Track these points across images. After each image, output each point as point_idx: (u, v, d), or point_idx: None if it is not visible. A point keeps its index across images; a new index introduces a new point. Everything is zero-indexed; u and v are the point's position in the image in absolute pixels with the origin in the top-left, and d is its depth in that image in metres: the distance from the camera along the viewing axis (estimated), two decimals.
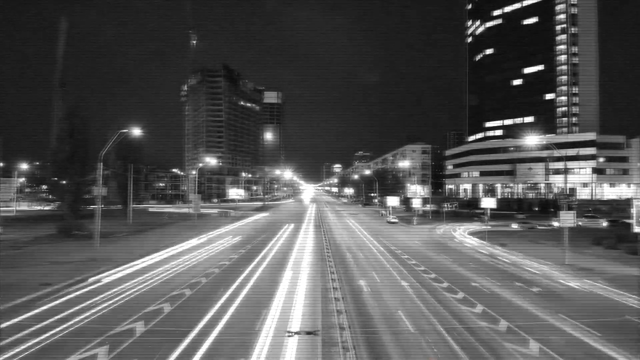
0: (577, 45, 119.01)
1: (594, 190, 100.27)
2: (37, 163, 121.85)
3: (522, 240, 45.90)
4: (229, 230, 54.72)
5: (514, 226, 60.18)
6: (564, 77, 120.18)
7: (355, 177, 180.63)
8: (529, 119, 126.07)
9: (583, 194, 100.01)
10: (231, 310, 19.27)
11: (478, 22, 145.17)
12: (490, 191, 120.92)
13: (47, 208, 55.60)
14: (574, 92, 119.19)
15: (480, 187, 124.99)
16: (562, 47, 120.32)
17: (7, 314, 18.65)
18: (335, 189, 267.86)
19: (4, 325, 17.31)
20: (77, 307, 19.61)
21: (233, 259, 33.44)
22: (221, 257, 34.28)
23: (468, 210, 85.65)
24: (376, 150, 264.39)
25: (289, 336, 16.45)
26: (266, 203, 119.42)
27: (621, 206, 73.80)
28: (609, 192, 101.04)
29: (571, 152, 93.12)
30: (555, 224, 61.64)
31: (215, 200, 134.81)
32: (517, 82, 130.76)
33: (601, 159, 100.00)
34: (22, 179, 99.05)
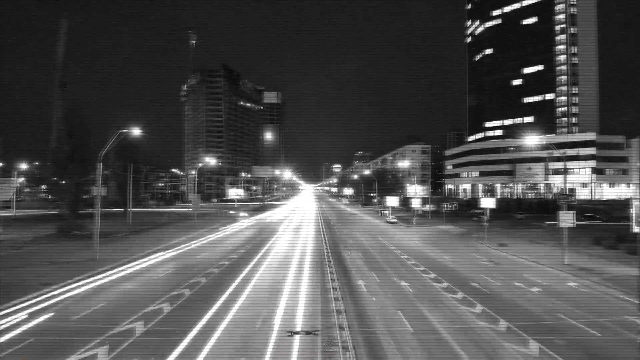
0: (576, 45, 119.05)
1: (593, 190, 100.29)
2: (37, 163, 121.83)
3: (522, 240, 45.89)
4: None
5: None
6: (564, 77, 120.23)
7: (355, 177, 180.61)
8: (529, 119, 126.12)
9: (582, 194, 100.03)
10: None
11: (477, 22, 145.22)
12: (489, 191, 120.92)
13: (46, 209, 55.53)
14: (573, 92, 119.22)
15: (480, 187, 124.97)
16: (562, 47, 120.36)
17: (7, 313, 18.69)
18: (334, 189, 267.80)
19: (3, 324, 17.33)
20: None
21: None
22: None
23: (467, 210, 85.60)
24: (376, 150, 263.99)
25: (289, 336, 16.46)
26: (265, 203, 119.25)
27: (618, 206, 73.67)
28: (609, 192, 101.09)
29: (571, 152, 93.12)
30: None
31: (214, 200, 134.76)
32: (516, 82, 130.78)
33: (601, 159, 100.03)
34: (22, 179, 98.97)
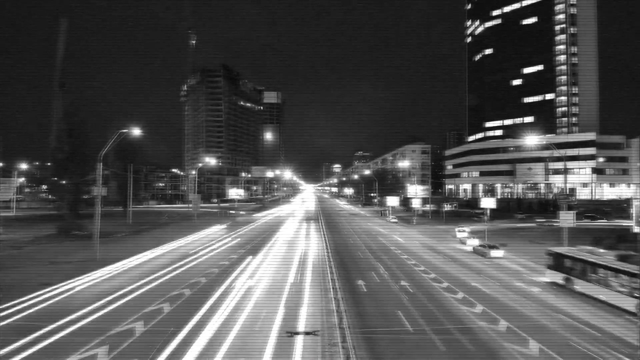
0: (576, 45, 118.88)
1: (593, 191, 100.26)
2: (37, 163, 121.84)
3: (522, 240, 45.90)
4: None
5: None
6: (564, 77, 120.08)
7: (355, 177, 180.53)
8: (529, 119, 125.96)
9: (583, 194, 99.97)
10: None
11: (477, 22, 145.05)
12: (490, 191, 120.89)
13: (46, 209, 55.59)
14: (573, 92, 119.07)
15: (480, 187, 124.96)
16: (562, 47, 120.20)
17: (7, 313, 18.69)
18: (335, 189, 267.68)
19: (2, 324, 17.34)
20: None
21: None
22: None
23: (468, 209, 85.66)
24: (376, 150, 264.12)
25: (289, 336, 16.46)
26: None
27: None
28: (609, 192, 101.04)
29: (571, 152, 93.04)
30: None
31: (214, 200, 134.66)
32: (516, 82, 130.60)
33: (601, 159, 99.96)
34: (22, 179, 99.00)
